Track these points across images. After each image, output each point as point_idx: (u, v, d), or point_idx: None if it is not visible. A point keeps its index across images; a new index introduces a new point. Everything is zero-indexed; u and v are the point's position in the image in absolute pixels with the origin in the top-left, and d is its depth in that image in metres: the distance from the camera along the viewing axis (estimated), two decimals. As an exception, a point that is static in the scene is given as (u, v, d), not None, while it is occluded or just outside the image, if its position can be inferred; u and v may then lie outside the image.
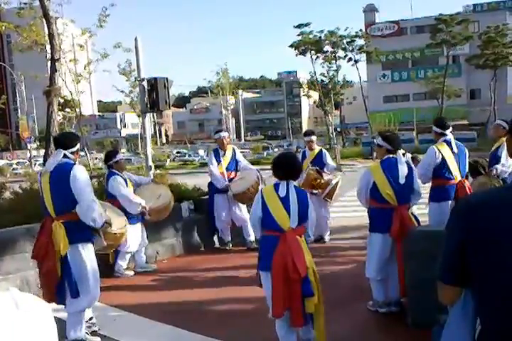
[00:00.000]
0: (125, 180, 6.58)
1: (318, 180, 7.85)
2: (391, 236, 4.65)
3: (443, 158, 5.51)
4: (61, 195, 4.27)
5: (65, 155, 4.35)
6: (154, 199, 6.83)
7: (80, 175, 4.25)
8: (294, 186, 3.92)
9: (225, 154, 7.90)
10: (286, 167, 3.95)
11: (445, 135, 5.62)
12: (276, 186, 3.91)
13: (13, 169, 36.98)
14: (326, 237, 8.22)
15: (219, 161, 7.85)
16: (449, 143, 5.60)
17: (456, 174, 5.60)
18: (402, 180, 4.67)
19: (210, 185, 8.03)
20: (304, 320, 3.75)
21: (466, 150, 5.80)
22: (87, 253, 4.35)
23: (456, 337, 1.76)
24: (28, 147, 39.00)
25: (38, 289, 5.73)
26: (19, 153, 55.15)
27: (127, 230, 5.43)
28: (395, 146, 4.79)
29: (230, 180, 7.79)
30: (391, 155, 4.77)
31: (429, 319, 2.42)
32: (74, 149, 4.41)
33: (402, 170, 4.70)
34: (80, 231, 4.30)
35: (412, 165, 4.94)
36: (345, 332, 4.43)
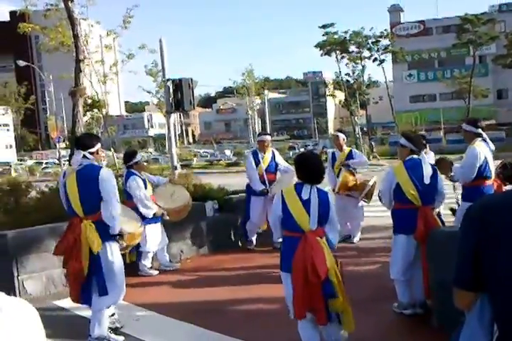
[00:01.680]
0: (144, 181, 6.60)
1: (354, 182, 7.78)
2: (415, 238, 4.56)
3: (485, 158, 5.36)
4: (90, 195, 4.33)
5: (84, 156, 4.40)
6: (172, 199, 6.85)
7: (108, 178, 4.35)
8: (317, 188, 3.85)
9: (264, 156, 7.88)
10: (309, 168, 3.85)
11: (481, 135, 5.49)
12: (297, 187, 3.85)
13: (43, 168, 37.67)
14: (356, 238, 8.11)
15: (258, 163, 7.83)
16: (485, 143, 5.47)
17: (493, 174, 5.46)
18: (427, 181, 4.59)
19: (248, 186, 8.01)
20: (329, 318, 3.69)
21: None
22: (115, 252, 4.46)
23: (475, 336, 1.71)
24: (57, 147, 39.68)
25: (63, 287, 5.82)
26: (48, 152, 56.14)
27: (140, 233, 5.45)
28: (418, 147, 4.72)
29: (270, 182, 7.75)
30: (415, 156, 4.68)
31: (454, 321, 2.36)
32: (93, 149, 4.45)
33: (427, 171, 4.61)
34: (108, 231, 4.40)
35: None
36: (368, 332, 4.36)
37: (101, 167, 4.43)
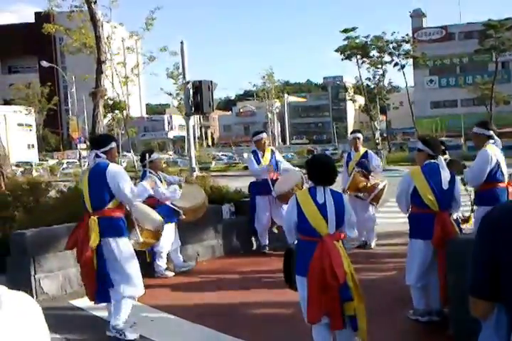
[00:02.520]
0: (160, 179, 6.62)
1: (364, 183, 7.68)
2: (432, 243, 4.49)
3: (497, 161, 5.27)
4: (97, 191, 4.53)
5: (97, 155, 4.59)
6: (188, 199, 6.84)
7: (116, 170, 4.55)
8: (330, 189, 3.82)
9: (264, 155, 7.89)
10: (323, 170, 3.84)
11: (492, 137, 5.41)
12: (311, 191, 3.82)
13: (63, 169, 38.11)
14: (373, 243, 8.03)
15: (258, 162, 7.84)
16: (497, 146, 5.38)
17: (506, 176, 5.36)
18: (445, 186, 4.52)
19: (251, 186, 8.00)
20: (344, 323, 3.64)
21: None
22: (120, 247, 4.54)
23: None
24: (78, 147, 40.15)
25: (79, 287, 5.84)
26: (69, 153, 56.85)
27: (158, 233, 5.52)
28: (436, 151, 4.65)
29: (273, 181, 7.71)
30: (432, 161, 4.62)
31: (471, 331, 2.31)
32: (106, 149, 4.62)
33: (445, 175, 4.54)
34: (113, 227, 4.52)
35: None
36: (383, 340, 4.29)
37: (109, 163, 4.56)
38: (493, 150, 5.30)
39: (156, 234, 5.58)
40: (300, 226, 3.78)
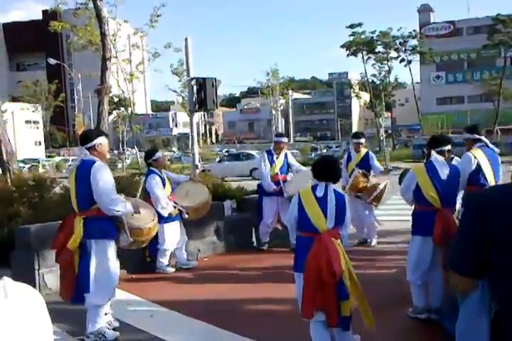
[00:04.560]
0: (163, 179, 6.67)
1: (365, 184, 7.73)
2: (433, 240, 4.52)
3: (478, 164, 5.36)
4: (82, 191, 4.33)
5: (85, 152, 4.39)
6: (192, 197, 6.89)
7: (98, 170, 4.27)
8: (334, 189, 3.87)
9: (278, 157, 7.93)
10: (325, 167, 3.93)
11: (481, 141, 5.49)
12: (314, 187, 3.89)
13: (69, 165, 38.24)
14: (374, 241, 8.07)
15: (272, 163, 7.88)
16: (483, 149, 5.46)
17: (491, 181, 5.39)
18: (444, 177, 4.56)
19: (260, 186, 8.04)
20: (340, 321, 3.69)
21: (499, 157, 5.66)
22: (101, 250, 4.35)
23: (475, 317, 1.79)
24: (83, 144, 40.21)
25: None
26: (76, 149, 57.00)
27: (155, 225, 5.24)
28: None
29: (283, 182, 7.76)
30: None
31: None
32: (91, 144, 4.38)
33: (443, 171, 4.58)
34: (98, 228, 4.32)
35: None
36: (382, 338, 4.32)
37: (95, 161, 4.33)
38: (477, 154, 5.39)
39: (148, 231, 5.12)
40: (299, 221, 3.84)
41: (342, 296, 3.65)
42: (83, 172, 4.33)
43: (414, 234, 4.74)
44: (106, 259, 4.38)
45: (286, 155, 8.03)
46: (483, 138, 5.51)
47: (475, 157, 5.38)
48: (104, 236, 4.39)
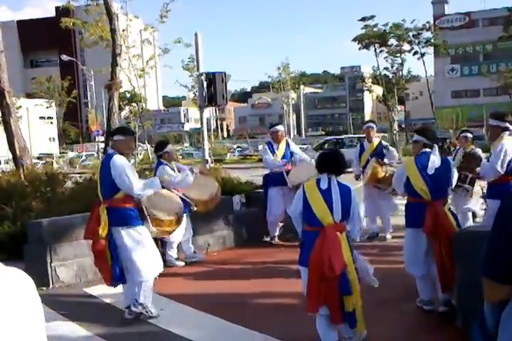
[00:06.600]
0: (173, 170, 6.69)
1: (383, 174, 7.56)
2: (424, 231, 4.53)
3: None
4: (105, 182, 4.75)
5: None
6: (201, 190, 6.89)
7: (118, 162, 4.66)
8: (338, 181, 3.86)
9: (278, 147, 7.97)
10: (326, 159, 3.94)
11: (508, 128, 5.33)
12: (318, 180, 3.89)
13: (82, 161, 38.60)
14: (388, 235, 7.98)
15: (273, 153, 7.91)
16: None
17: None
18: (430, 171, 4.52)
19: (265, 178, 8.06)
20: (344, 317, 3.68)
21: None
22: (126, 236, 4.68)
23: None
24: (96, 140, 40.58)
25: (93, 275, 5.99)
26: (89, 145, 57.40)
27: (172, 222, 5.53)
28: (431, 140, 4.66)
29: (287, 172, 7.76)
30: (428, 150, 4.62)
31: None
32: (112, 141, 4.96)
33: (433, 162, 4.53)
34: (120, 217, 4.68)
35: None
36: (392, 332, 4.33)
37: (114, 154, 4.75)
38: (510, 141, 5.24)
39: (169, 224, 5.50)
40: (304, 215, 3.83)
41: (345, 291, 3.63)
42: (106, 164, 4.76)
43: (407, 226, 4.80)
44: (133, 243, 4.68)
45: (288, 144, 8.07)
46: (510, 126, 5.31)
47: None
48: (128, 224, 4.72)
